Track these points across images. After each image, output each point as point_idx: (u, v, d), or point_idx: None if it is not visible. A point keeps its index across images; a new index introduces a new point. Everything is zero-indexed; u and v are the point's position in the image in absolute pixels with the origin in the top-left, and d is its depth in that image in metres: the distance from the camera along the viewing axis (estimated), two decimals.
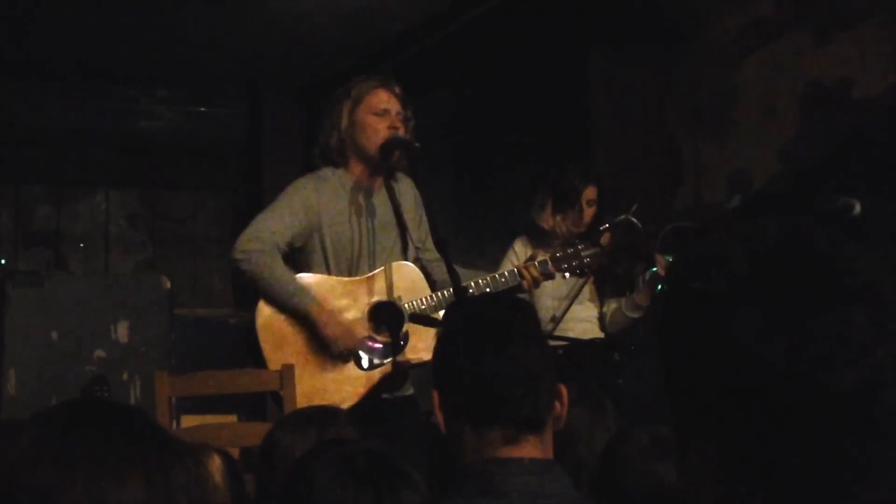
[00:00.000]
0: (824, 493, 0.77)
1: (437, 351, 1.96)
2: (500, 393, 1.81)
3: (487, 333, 1.87)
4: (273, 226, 3.64)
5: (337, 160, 3.74)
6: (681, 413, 0.83)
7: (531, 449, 1.81)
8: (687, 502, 0.84)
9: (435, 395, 1.88)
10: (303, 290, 3.59)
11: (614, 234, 4.31)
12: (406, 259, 3.77)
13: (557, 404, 1.87)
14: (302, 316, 3.58)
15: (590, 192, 4.56)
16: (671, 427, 0.87)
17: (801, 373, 0.75)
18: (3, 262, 7.75)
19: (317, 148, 3.82)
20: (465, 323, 1.93)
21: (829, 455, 0.76)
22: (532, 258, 3.80)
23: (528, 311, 2.04)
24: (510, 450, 1.80)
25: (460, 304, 2.34)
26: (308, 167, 3.90)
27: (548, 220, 4.56)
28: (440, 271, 3.70)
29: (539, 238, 4.56)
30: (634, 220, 4.35)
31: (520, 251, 4.54)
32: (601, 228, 4.38)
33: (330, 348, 3.57)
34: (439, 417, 1.86)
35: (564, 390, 1.89)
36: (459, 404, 1.84)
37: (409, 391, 3.77)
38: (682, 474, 0.84)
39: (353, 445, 1.88)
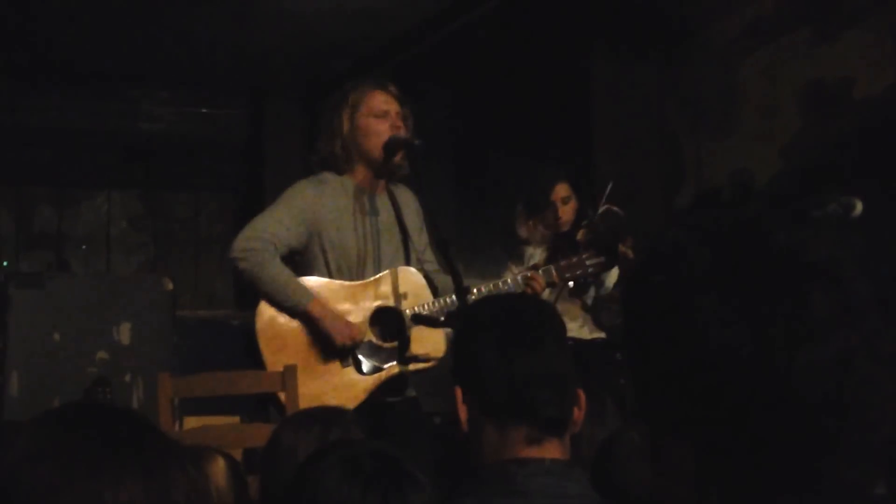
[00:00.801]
0: (798, 474, 0.77)
1: (462, 346, 1.94)
2: (529, 392, 1.80)
3: (519, 331, 1.85)
4: (271, 227, 3.63)
5: (342, 167, 3.73)
6: (651, 411, 0.84)
7: (552, 450, 1.80)
8: (662, 501, 0.85)
9: (458, 391, 1.86)
10: (300, 287, 3.58)
11: (596, 227, 4.27)
12: (409, 264, 3.76)
13: (576, 409, 1.86)
14: (301, 315, 3.57)
15: (561, 190, 4.53)
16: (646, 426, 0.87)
17: (765, 356, 0.76)
18: (4, 263, 7.76)
19: (316, 156, 3.80)
20: (494, 319, 1.90)
21: (800, 436, 0.77)
22: (535, 266, 3.79)
23: (555, 312, 2.02)
24: (532, 450, 1.79)
25: (486, 300, 2.30)
26: (309, 170, 3.88)
27: (522, 229, 4.55)
28: (441, 280, 3.70)
29: (521, 250, 4.54)
30: (616, 208, 4.34)
31: (514, 272, 4.53)
32: (582, 224, 4.37)
33: (332, 344, 3.55)
34: (461, 413, 1.84)
35: (583, 395, 1.88)
36: (485, 401, 1.83)
37: (411, 394, 3.76)
38: (655, 474, 0.85)
39: (360, 446, 1.87)
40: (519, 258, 4.57)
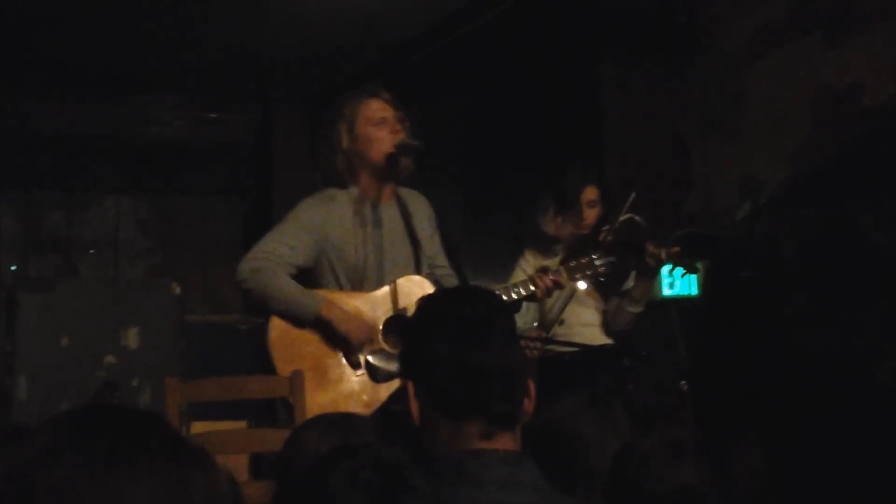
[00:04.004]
0: (870, 481, 0.75)
1: (413, 341, 1.97)
2: (479, 387, 1.83)
3: (468, 326, 1.88)
4: (275, 247, 3.63)
5: (346, 180, 3.72)
6: (725, 405, 0.82)
7: (504, 443, 1.83)
8: (727, 495, 0.83)
9: (410, 385, 1.88)
10: (309, 294, 3.58)
11: (616, 233, 4.28)
12: (419, 272, 3.75)
13: (527, 401, 1.89)
14: (313, 321, 3.56)
15: (590, 193, 4.53)
16: (702, 422, 0.85)
17: (850, 361, 0.74)
18: (13, 267, 7.77)
19: (319, 173, 3.80)
20: (443, 314, 1.93)
21: (877, 443, 0.75)
22: (545, 269, 3.79)
23: (506, 307, 2.04)
24: (484, 444, 1.82)
25: (436, 296, 2.34)
26: (313, 184, 3.88)
27: (549, 224, 4.54)
28: (452, 285, 3.69)
29: (545, 245, 4.54)
30: (638, 218, 4.33)
31: (530, 261, 4.53)
32: (604, 229, 4.37)
33: (349, 343, 3.55)
34: (413, 407, 1.87)
35: (533, 386, 1.91)
36: (436, 396, 1.85)
37: None
38: (717, 470, 0.83)
39: (362, 455, 1.87)
40: (537, 247, 4.56)
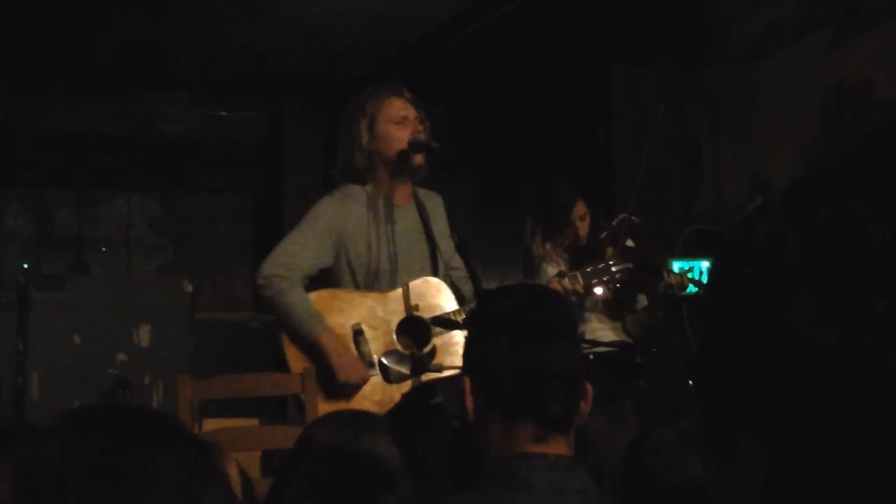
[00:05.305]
0: (878, 484, 0.75)
1: (473, 338, 1.94)
2: (535, 389, 1.81)
3: (530, 326, 1.86)
4: (296, 250, 3.63)
5: (365, 177, 3.71)
6: (726, 404, 0.82)
7: (557, 447, 1.81)
8: (723, 498, 0.83)
9: (466, 381, 1.86)
10: (315, 317, 3.57)
11: (617, 242, 4.28)
12: (437, 273, 3.74)
13: (583, 403, 1.86)
14: (312, 344, 3.55)
15: (579, 208, 4.55)
16: (707, 420, 0.85)
17: (856, 359, 0.74)
18: (25, 265, 7.80)
19: (337, 169, 3.79)
20: (505, 313, 1.90)
21: (885, 445, 0.75)
22: (562, 274, 3.79)
23: (567, 308, 2.02)
24: (537, 447, 1.80)
25: (498, 292, 2.30)
26: (328, 180, 3.88)
27: (539, 250, 4.55)
28: (469, 288, 3.68)
29: (534, 268, 4.55)
30: (633, 217, 4.34)
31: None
32: (601, 237, 4.37)
33: (336, 378, 3.54)
34: (469, 404, 1.85)
35: (591, 389, 1.89)
36: (493, 395, 1.83)
37: (439, 400, 3.75)
38: (722, 469, 0.83)
39: (323, 459, 1.86)
40: (535, 273, 4.56)
